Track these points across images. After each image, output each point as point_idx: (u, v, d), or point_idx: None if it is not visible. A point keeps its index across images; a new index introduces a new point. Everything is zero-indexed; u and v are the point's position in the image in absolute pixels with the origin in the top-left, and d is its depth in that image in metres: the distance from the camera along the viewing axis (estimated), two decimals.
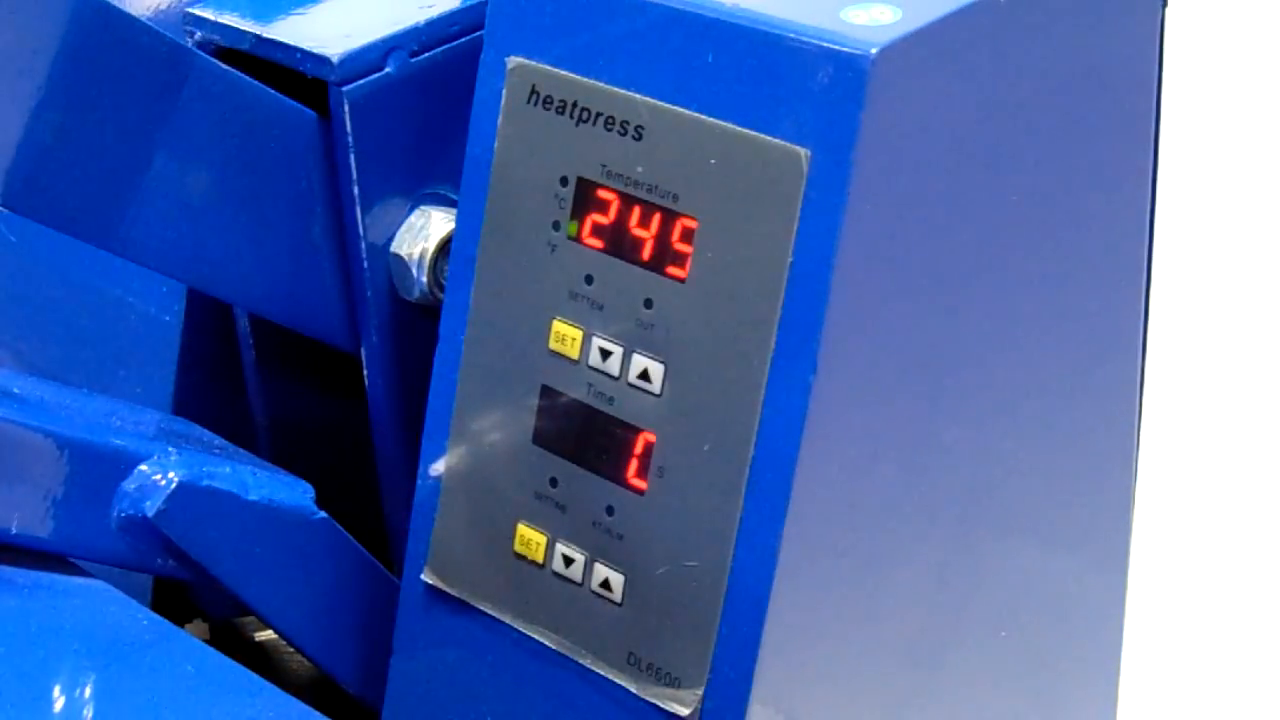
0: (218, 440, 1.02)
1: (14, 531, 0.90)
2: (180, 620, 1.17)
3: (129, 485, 0.93)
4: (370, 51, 1.00)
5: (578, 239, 0.92)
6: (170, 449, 0.94)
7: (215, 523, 0.94)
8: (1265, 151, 2.67)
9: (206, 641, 0.90)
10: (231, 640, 1.22)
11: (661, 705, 0.91)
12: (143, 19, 0.96)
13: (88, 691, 0.80)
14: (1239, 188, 2.61)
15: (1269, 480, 2.09)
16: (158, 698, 0.82)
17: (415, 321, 1.04)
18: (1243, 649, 1.85)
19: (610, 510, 0.92)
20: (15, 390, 0.94)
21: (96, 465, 0.92)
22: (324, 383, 1.16)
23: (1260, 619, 1.89)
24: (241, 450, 1.03)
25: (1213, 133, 2.64)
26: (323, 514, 0.99)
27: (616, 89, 0.90)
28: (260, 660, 1.22)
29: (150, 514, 0.92)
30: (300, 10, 1.04)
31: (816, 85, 0.84)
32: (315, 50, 0.99)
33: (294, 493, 0.98)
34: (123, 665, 0.84)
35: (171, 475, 0.93)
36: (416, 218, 1.03)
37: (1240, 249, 2.50)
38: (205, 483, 0.94)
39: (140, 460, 0.93)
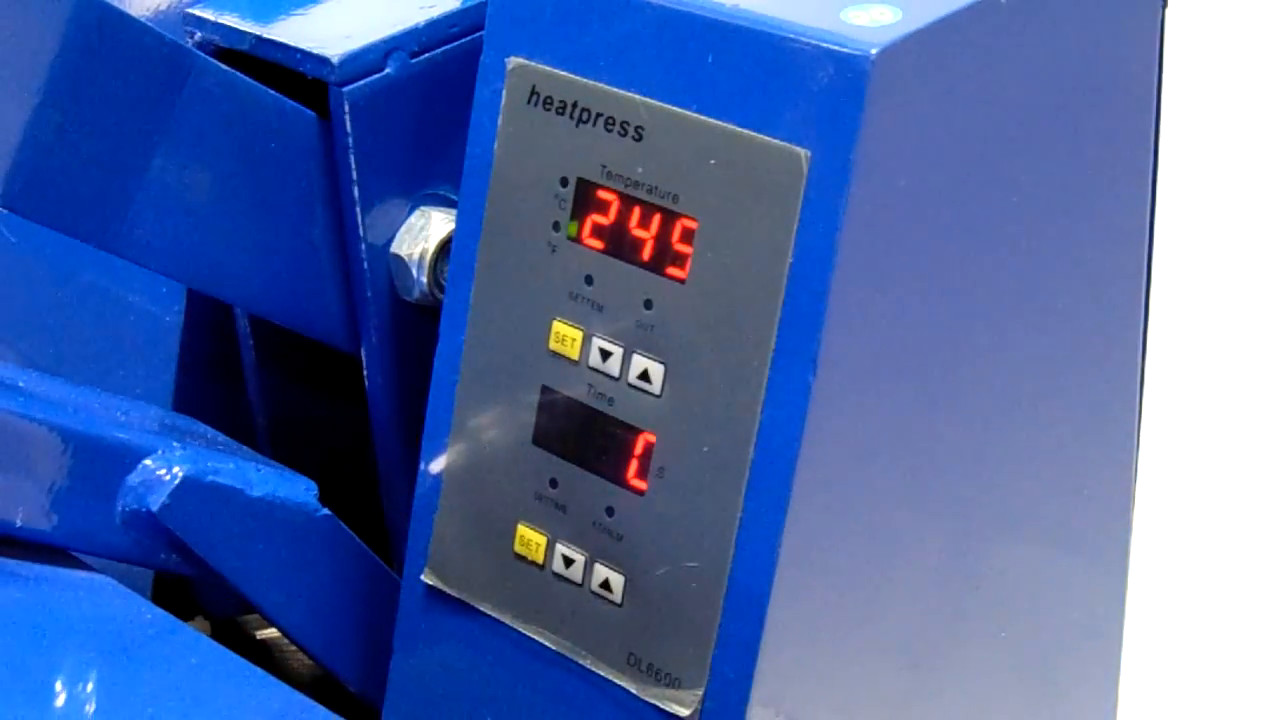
0: (221, 437, 1.03)
1: (18, 525, 0.90)
2: (182, 618, 1.16)
3: (133, 480, 0.93)
4: (370, 52, 1.00)
5: (578, 239, 0.92)
6: (174, 444, 0.94)
7: (219, 518, 0.95)
8: (1265, 152, 2.67)
9: None
10: (233, 638, 1.22)
11: (661, 706, 0.91)
12: (143, 19, 0.96)
13: (90, 685, 0.80)
14: (1239, 188, 2.61)
15: (1269, 480, 2.09)
16: (161, 691, 0.82)
17: (415, 321, 1.04)
18: (1243, 649, 1.85)
19: (610, 511, 0.92)
20: (20, 384, 0.94)
21: (101, 459, 0.92)
22: (324, 383, 1.17)
23: (1260, 619, 1.89)
24: (244, 447, 1.03)
25: (1213, 133, 2.64)
26: (326, 511, 0.99)
27: (616, 89, 0.90)
28: (262, 658, 1.22)
29: (154, 509, 0.92)
30: (300, 10, 1.04)
31: (816, 85, 0.84)
32: (315, 51, 0.99)
33: (297, 489, 0.98)
34: (126, 659, 0.84)
35: (176, 470, 0.93)
36: (416, 218, 1.03)
37: (1240, 249, 2.50)
38: (209, 478, 0.94)
39: (144, 455, 0.93)
